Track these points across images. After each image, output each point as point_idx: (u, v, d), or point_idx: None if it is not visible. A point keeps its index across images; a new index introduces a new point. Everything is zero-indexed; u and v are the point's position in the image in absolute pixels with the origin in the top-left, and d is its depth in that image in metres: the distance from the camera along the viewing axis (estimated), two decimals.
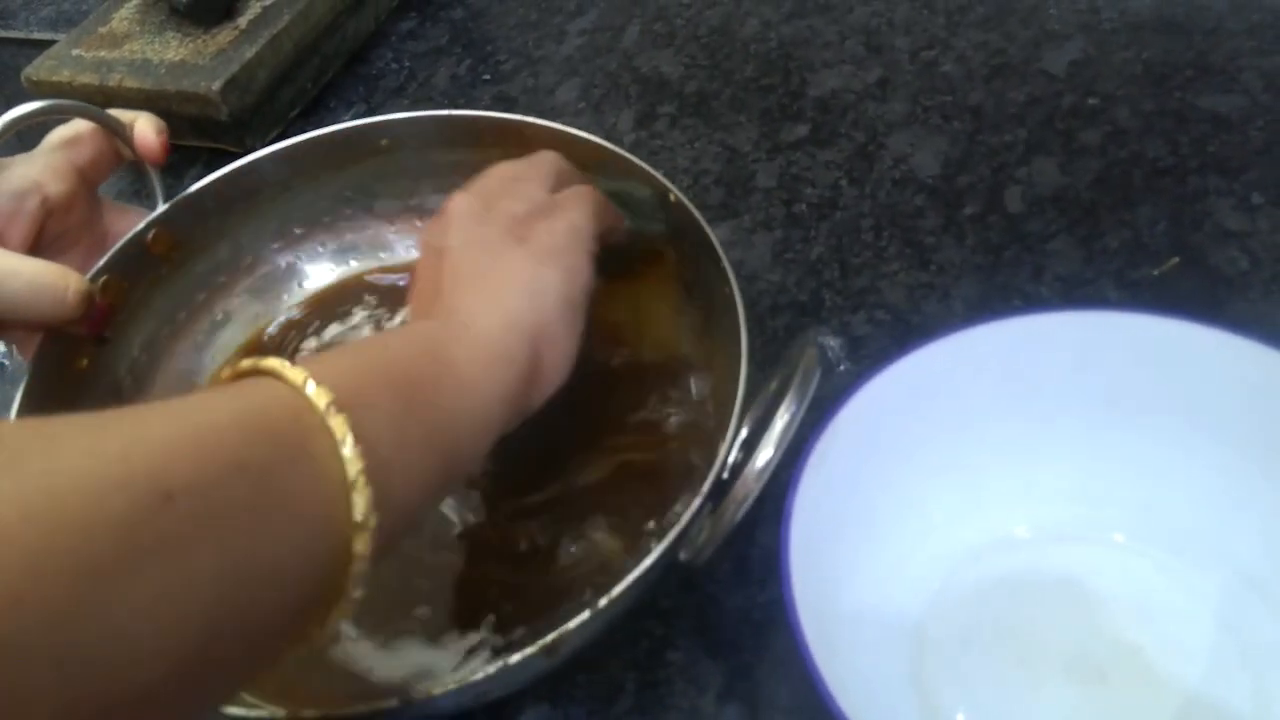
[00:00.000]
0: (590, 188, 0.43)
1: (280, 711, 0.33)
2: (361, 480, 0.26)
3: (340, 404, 0.27)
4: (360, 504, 0.26)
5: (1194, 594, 0.37)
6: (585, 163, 0.50)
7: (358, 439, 0.27)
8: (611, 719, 0.39)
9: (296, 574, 0.26)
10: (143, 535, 0.22)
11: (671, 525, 0.35)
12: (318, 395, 0.27)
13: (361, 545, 0.27)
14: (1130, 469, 0.39)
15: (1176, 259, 0.49)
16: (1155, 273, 0.49)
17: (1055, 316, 0.40)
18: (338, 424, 0.27)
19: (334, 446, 0.27)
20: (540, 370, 0.36)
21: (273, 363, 0.28)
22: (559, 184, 0.43)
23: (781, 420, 0.35)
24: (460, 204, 0.40)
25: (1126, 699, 0.36)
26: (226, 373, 0.30)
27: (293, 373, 0.28)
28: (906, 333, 0.49)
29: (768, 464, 0.35)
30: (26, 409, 0.43)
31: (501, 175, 0.43)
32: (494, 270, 0.37)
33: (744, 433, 0.36)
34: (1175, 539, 0.38)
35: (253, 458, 0.25)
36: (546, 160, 0.44)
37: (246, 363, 0.29)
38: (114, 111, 0.48)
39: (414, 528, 0.32)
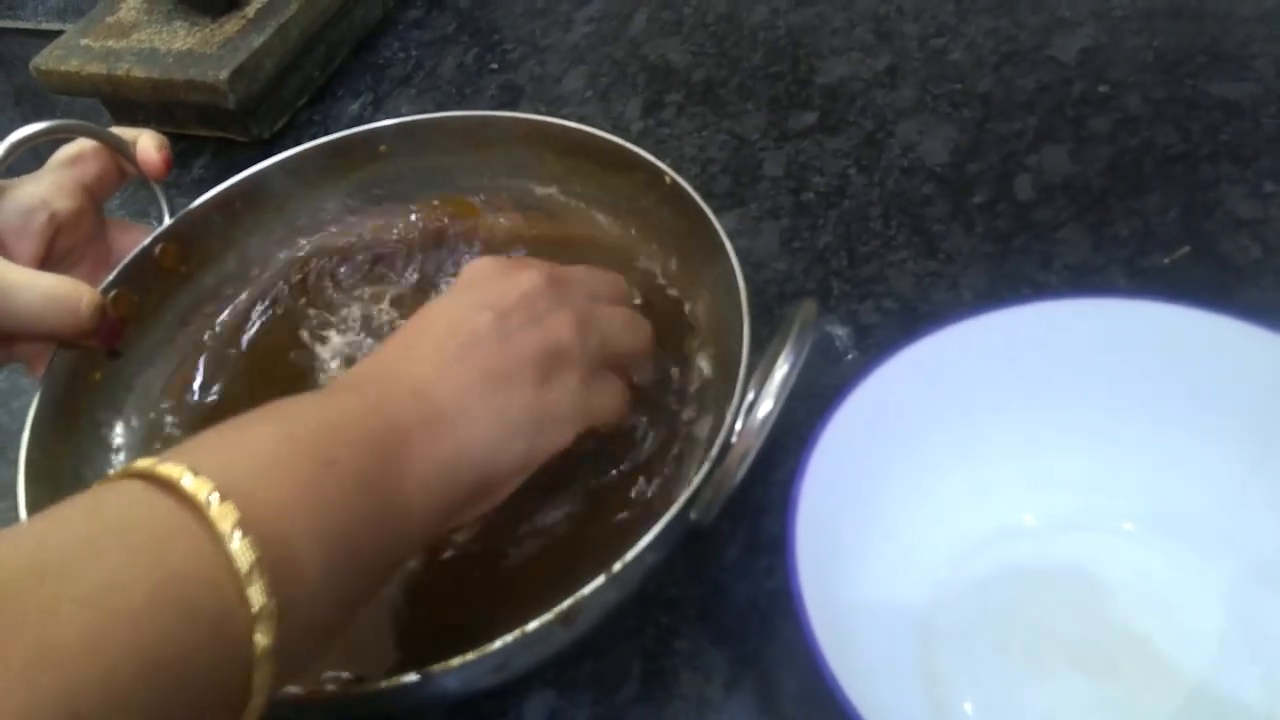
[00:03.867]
0: (628, 315, 0.42)
1: (298, 688, 0.33)
2: (268, 661, 0.25)
3: (263, 564, 0.25)
4: (262, 677, 0.25)
5: (1203, 583, 0.37)
6: (586, 152, 0.50)
7: (277, 610, 0.25)
8: (617, 706, 0.39)
9: None
10: None
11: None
12: (240, 552, 0.25)
13: (261, 696, 0.26)
14: (1139, 458, 0.39)
15: (1187, 247, 0.49)
16: (1166, 261, 0.48)
17: (1064, 304, 0.40)
18: (256, 594, 0.25)
19: (250, 622, 0.25)
20: (469, 507, 0.35)
21: (172, 471, 0.26)
22: (610, 298, 0.42)
23: (780, 372, 0.35)
24: (476, 269, 0.40)
25: (1135, 689, 0.36)
26: (119, 474, 0.28)
27: (195, 486, 0.26)
28: (914, 321, 0.49)
29: (768, 416, 0.35)
30: (40, 423, 0.44)
31: (567, 278, 0.41)
32: (492, 396, 0.35)
33: (749, 397, 0.36)
34: (1184, 528, 0.38)
35: (167, 654, 0.23)
36: (603, 274, 0.44)
37: (142, 464, 0.27)
38: (116, 129, 0.49)
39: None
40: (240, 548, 0.25)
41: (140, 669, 0.23)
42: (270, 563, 0.26)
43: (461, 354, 0.36)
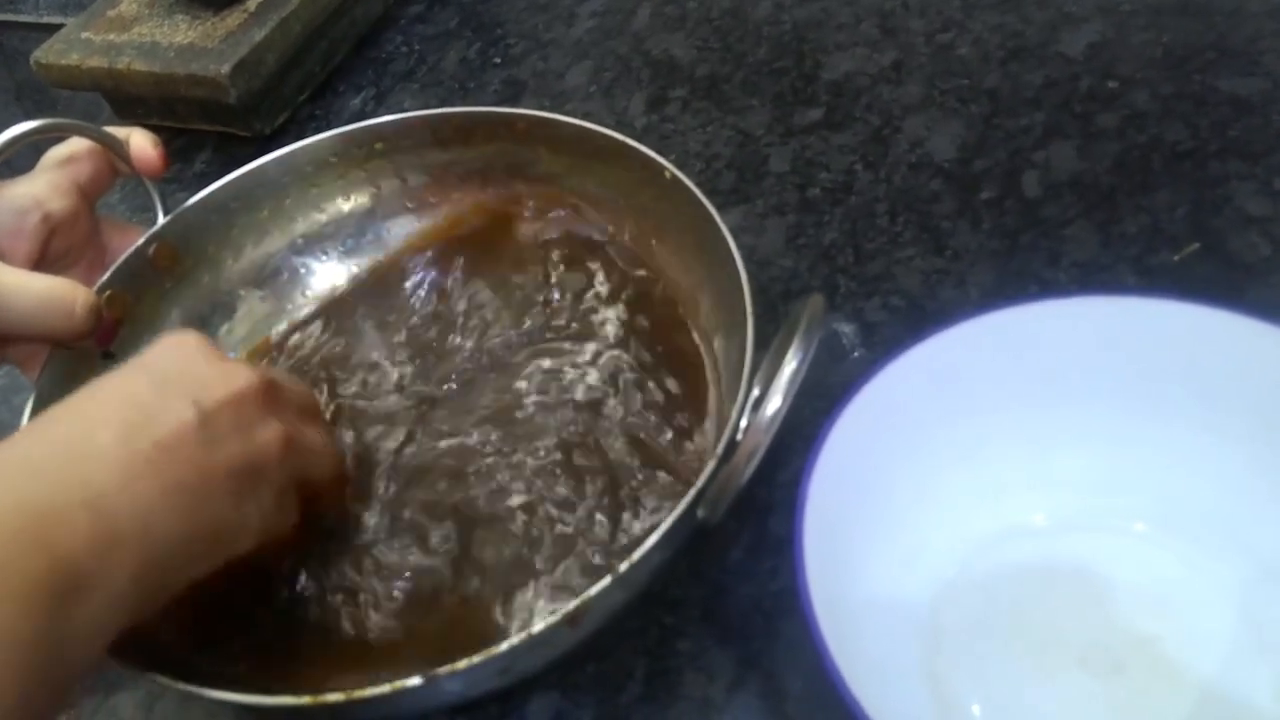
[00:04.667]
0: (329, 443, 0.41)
1: (305, 698, 0.33)
2: None
3: None
4: None
5: (1213, 584, 0.37)
6: (589, 149, 0.49)
7: None
8: (621, 708, 0.39)
9: None
10: None
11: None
12: None
13: None
14: (1148, 456, 0.39)
15: (1196, 244, 0.48)
16: (1174, 258, 0.48)
17: (1072, 302, 0.39)
18: None
19: None
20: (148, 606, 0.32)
21: None
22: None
23: (788, 368, 0.34)
24: (227, 390, 0.35)
25: (1144, 690, 0.35)
26: None
27: None
28: (921, 319, 0.48)
29: (776, 413, 0.34)
30: None
31: (279, 388, 0.38)
32: (181, 513, 0.32)
33: (754, 395, 0.36)
34: (1193, 527, 0.38)
35: None
36: (310, 396, 0.43)
37: None
38: (109, 128, 0.49)
39: None
40: None
41: None
42: None
43: (155, 457, 0.32)
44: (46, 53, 0.70)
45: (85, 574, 0.29)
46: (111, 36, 0.70)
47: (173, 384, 0.34)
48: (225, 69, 0.64)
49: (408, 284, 0.54)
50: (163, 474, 0.32)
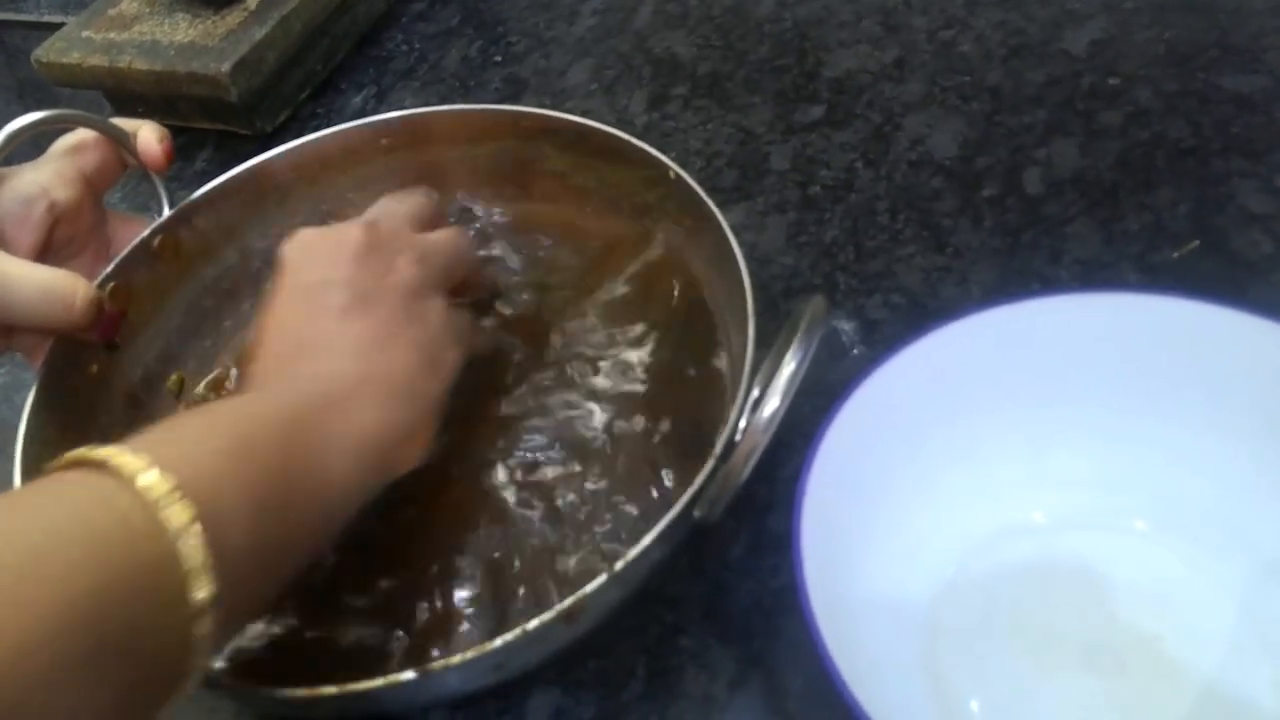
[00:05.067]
0: (453, 233, 0.46)
1: (300, 690, 0.33)
2: (208, 613, 0.26)
3: (200, 520, 0.27)
4: (204, 628, 0.27)
5: (1214, 582, 0.37)
6: (590, 147, 0.49)
7: (210, 571, 0.27)
8: (622, 705, 0.39)
9: (134, 695, 0.26)
10: None
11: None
12: (171, 515, 0.26)
13: (201, 658, 0.27)
14: (1149, 454, 0.39)
15: (1197, 242, 0.48)
16: (1176, 256, 0.48)
17: (1074, 299, 0.39)
18: (191, 550, 0.26)
19: (183, 583, 0.26)
20: (394, 439, 0.36)
21: (106, 452, 0.27)
22: (426, 225, 0.45)
23: (787, 369, 0.34)
24: (295, 246, 0.41)
25: (1145, 689, 0.35)
26: (52, 465, 0.29)
27: (132, 467, 0.27)
28: (922, 317, 0.48)
29: (774, 413, 0.34)
30: (36, 416, 0.43)
31: (380, 214, 0.44)
32: (326, 334, 0.37)
33: (754, 394, 0.36)
34: (1195, 526, 0.38)
35: (104, 607, 0.24)
36: (413, 203, 0.46)
37: (73, 454, 0.28)
38: (116, 120, 0.49)
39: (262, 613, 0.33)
40: (176, 510, 0.26)
41: (74, 624, 0.23)
42: (204, 518, 0.27)
43: (338, 330, 0.37)
44: (47, 51, 0.70)
45: (325, 412, 0.34)
46: (112, 35, 0.70)
47: (313, 278, 0.39)
48: (226, 67, 0.64)
49: None
50: (350, 337, 0.37)
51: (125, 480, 0.27)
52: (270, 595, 0.32)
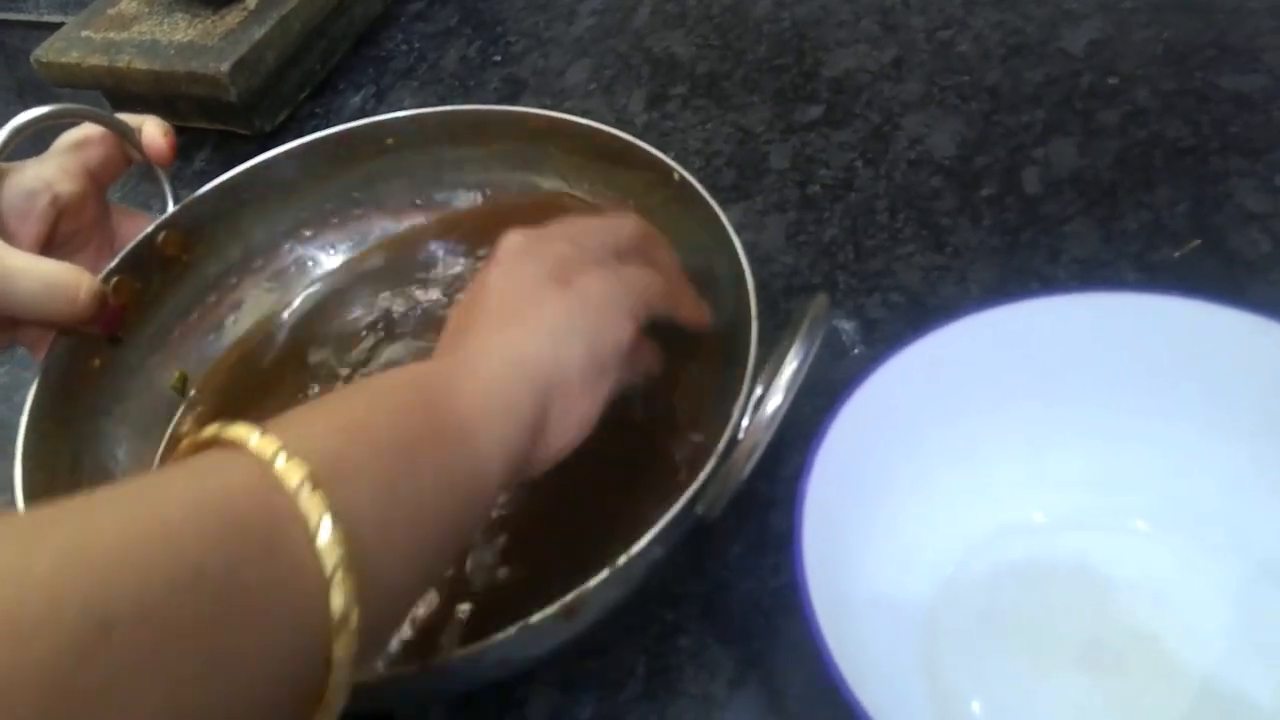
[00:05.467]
0: (664, 269, 0.41)
1: None
2: (340, 574, 0.24)
3: (317, 480, 0.24)
4: (339, 600, 0.24)
5: (1212, 582, 0.37)
6: (590, 147, 0.49)
7: (336, 520, 0.24)
8: (622, 705, 0.39)
9: (267, 691, 0.23)
10: (74, 681, 0.19)
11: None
12: (289, 471, 0.24)
13: (342, 649, 0.24)
14: (1148, 453, 0.39)
15: (1197, 241, 0.48)
16: (1175, 255, 0.48)
17: (1073, 298, 0.39)
18: (314, 505, 0.24)
19: (309, 534, 0.24)
20: (548, 427, 0.33)
21: (238, 431, 0.25)
22: (637, 251, 0.40)
23: (790, 367, 0.34)
24: (510, 240, 0.38)
25: (1143, 688, 0.35)
26: (186, 444, 0.27)
27: (261, 444, 0.25)
28: (922, 316, 0.48)
29: (776, 411, 0.34)
30: (39, 409, 0.43)
31: (568, 225, 0.40)
32: (520, 310, 0.35)
33: (757, 392, 0.36)
34: (1194, 526, 0.38)
35: (211, 562, 0.22)
36: (624, 223, 0.41)
37: (209, 431, 0.26)
38: (121, 115, 0.49)
39: (403, 620, 0.29)
40: (307, 495, 0.24)
41: (181, 587, 0.21)
42: (334, 501, 0.24)
43: (533, 311, 0.35)
44: (47, 51, 0.70)
45: (456, 377, 0.32)
46: (111, 34, 0.70)
47: (517, 286, 0.36)
48: (225, 67, 0.64)
49: (420, 256, 0.55)
50: (558, 325, 0.34)
51: (265, 464, 0.25)
52: (404, 607, 0.30)
